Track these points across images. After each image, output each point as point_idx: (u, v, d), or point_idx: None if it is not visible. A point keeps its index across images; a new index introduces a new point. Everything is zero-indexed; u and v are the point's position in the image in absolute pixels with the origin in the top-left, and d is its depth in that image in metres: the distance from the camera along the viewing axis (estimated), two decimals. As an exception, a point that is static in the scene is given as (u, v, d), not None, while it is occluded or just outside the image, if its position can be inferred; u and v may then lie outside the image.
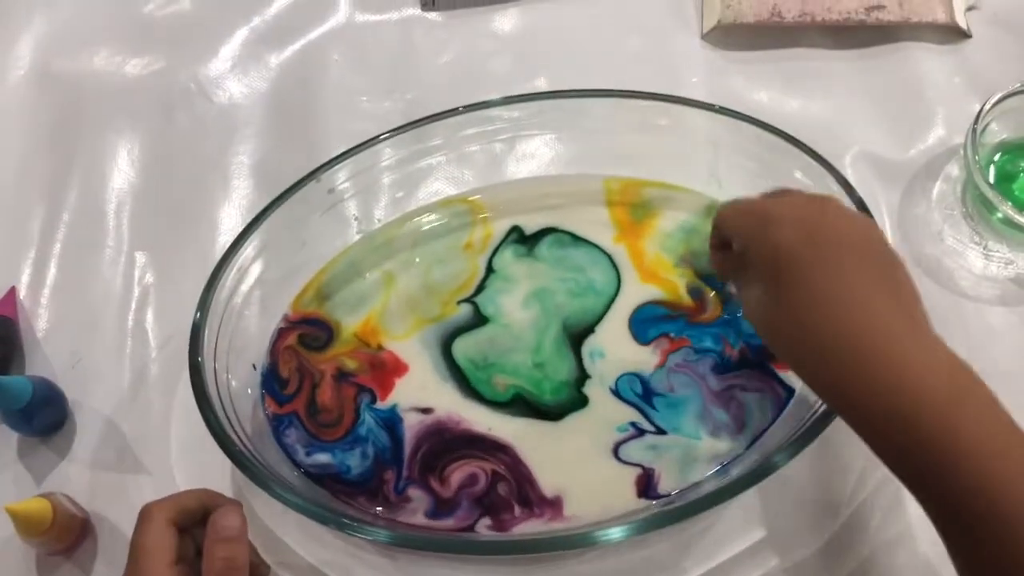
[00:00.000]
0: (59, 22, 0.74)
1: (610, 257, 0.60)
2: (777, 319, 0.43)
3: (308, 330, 0.59)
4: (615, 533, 0.47)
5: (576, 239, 0.61)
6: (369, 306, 0.59)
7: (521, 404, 0.55)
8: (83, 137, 0.69)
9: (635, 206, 0.62)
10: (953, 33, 0.68)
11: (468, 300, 0.59)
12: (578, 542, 0.48)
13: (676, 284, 0.59)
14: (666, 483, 0.52)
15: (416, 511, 0.52)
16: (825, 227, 0.43)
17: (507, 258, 0.61)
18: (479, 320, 0.58)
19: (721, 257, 0.52)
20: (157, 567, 0.43)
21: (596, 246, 0.60)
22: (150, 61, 0.72)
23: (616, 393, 0.55)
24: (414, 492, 0.53)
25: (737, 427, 0.54)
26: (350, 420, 0.55)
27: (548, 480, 0.53)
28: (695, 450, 0.53)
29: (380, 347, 0.58)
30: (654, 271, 0.59)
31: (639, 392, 0.55)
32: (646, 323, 0.57)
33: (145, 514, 0.45)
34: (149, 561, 0.43)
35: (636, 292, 0.58)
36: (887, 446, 0.40)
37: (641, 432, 0.54)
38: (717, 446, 0.53)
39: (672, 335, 0.57)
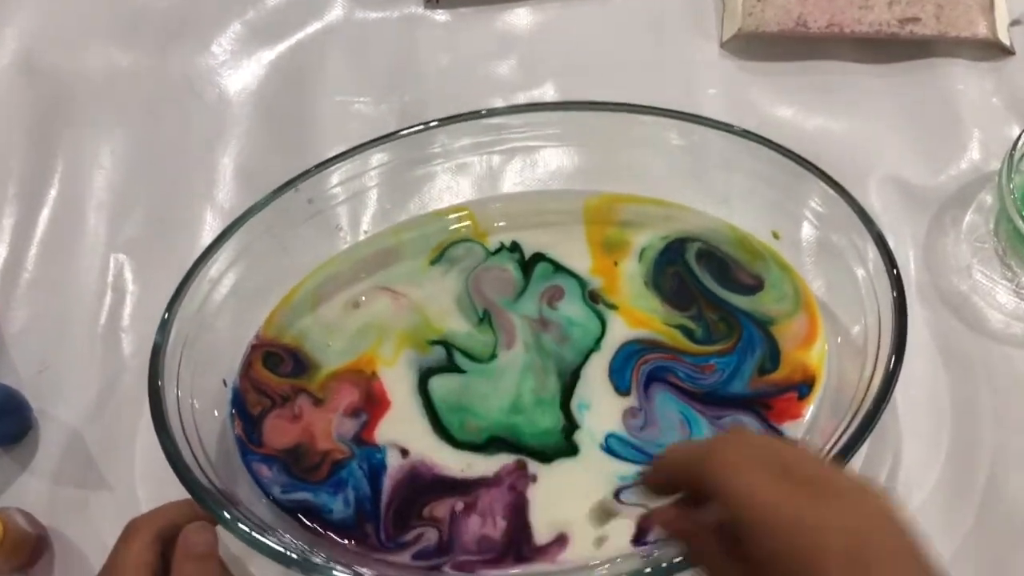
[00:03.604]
0: (46, 12, 0.71)
1: (595, 295, 0.56)
2: None
3: (278, 352, 0.56)
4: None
5: (559, 268, 0.57)
6: (344, 334, 0.56)
7: (500, 444, 0.52)
8: (66, 133, 0.67)
9: (630, 228, 0.58)
10: (994, 49, 0.64)
11: (441, 341, 0.55)
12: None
13: (666, 327, 0.55)
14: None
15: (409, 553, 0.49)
16: (882, 562, 0.31)
17: (489, 285, 0.57)
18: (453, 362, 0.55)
19: (687, 523, 0.37)
20: None
21: (581, 280, 0.57)
22: (138, 55, 0.70)
23: (609, 451, 0.51)
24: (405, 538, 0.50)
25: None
26: (330, 462, 0.52)
27: (538, 518, 0.49)
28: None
29: (374, 374, 0.55)
30: (640, 313, 0.55)
31: (631, 454, 0.51)
32: (624, 364, 0.54)
33: (131, 529, 0.44)
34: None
35: (621, 333, 0.55)
36: None
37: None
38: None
39: (649, 356, 0.54)
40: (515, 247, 0.58)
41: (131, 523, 0.44)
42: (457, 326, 0.56)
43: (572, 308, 0.56)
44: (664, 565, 0.42)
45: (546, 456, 0.51)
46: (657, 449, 0.50)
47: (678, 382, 0.52)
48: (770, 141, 0.53)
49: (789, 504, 0.32)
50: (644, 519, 0.38)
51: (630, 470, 0.50)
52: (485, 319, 0.56)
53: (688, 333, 0.54)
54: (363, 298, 0.57)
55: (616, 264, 0.57)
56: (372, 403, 0.53)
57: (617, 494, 0.49)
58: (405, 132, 0.56)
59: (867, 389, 0.47)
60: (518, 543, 0.49)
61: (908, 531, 0.32)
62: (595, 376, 0.53)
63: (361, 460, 0.52)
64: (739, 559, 0.33)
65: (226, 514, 0.45)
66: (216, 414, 0.53)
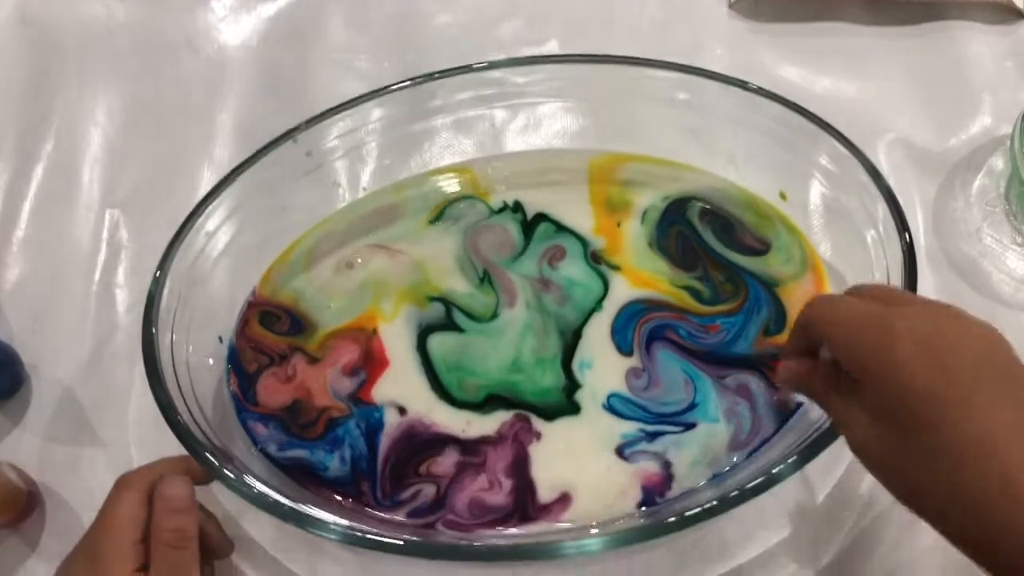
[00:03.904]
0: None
1: (597, 256, 0.55)
2: (900, 463, 0.34)
3: (275, 311, 0.55)
4: (592, 545, 0.42)
5: (561, 228, 0.56)
6: (342, 292, 0.55)
7: (498, 401, 0.51)
8: (62, 87, 0.65)
9: (633, 188, 0.57)
10: (1008, 13, 0.63)
11: (441, 298, 0.54)
12: (548, 553, 0.43)
13: (670, 287, 0.54)
14: (674, 484, 0.48)
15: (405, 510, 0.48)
16: (958, 351, 0.34)
17: (488, 244, 0.56)
18: (452, 321, 0.54)
19: (802, 367, 0.40)
20: (123, 543, 0.41)
21: (583, 240, 0.56)
22: (136, 9, 0.68)
23: (611, 410, 0.50)
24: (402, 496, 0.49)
25: (749, 409, 0.49)
26: (326, 420, 0.51)
27: (542, 476, 0.48)
28: (711, 439, 0.49)
29: (375, 331, 0.54)
30: (644, 274, 0.54)
31: (634, 411, 0.50)
32: (626, 324, 0.52)
33: (122, 485, 0.43)
34: (116, 535, 0.41)
35: (624, 294, 0.54)
36: None
37: (652, 436, 0.49)
38: (734, 430, 0.49)
39: (651, 316, 0.53)
40: (518, 207, 0.57)
41: (122, 478, 0.43)
42: (458, 285, 0.55)
43: (573, 268, 0.55)
44: (673, 520, 0.42)
45: (548, 414, 0.50)
46: (661, 407, 0.50)
47: (679, 340, 0.51)
48: (781, 97, 0.52)
49: (869, 310, 0.36)
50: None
51: (632, 428, 0.49)
52: (485, 279, 0.55)
53: (695, 294, 0.53)
54: (359, 260, 0.56)
55: (619, 225, 0.56)
56: (371, 361, 0.52)
57: (620, 450, 0.49)
58: (406, 84, 0.55)
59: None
60: (523, 501, 0.48)
61: (991, 339, 0.34)
62: (597, 336, 0.52)
63: (359, 419, 0.51)
64: (848, 390, 0.36)
65: (218, 465, 0.44)
66: (211, 365, 0.52)
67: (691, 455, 0.48)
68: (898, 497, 0.35)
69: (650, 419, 0.49)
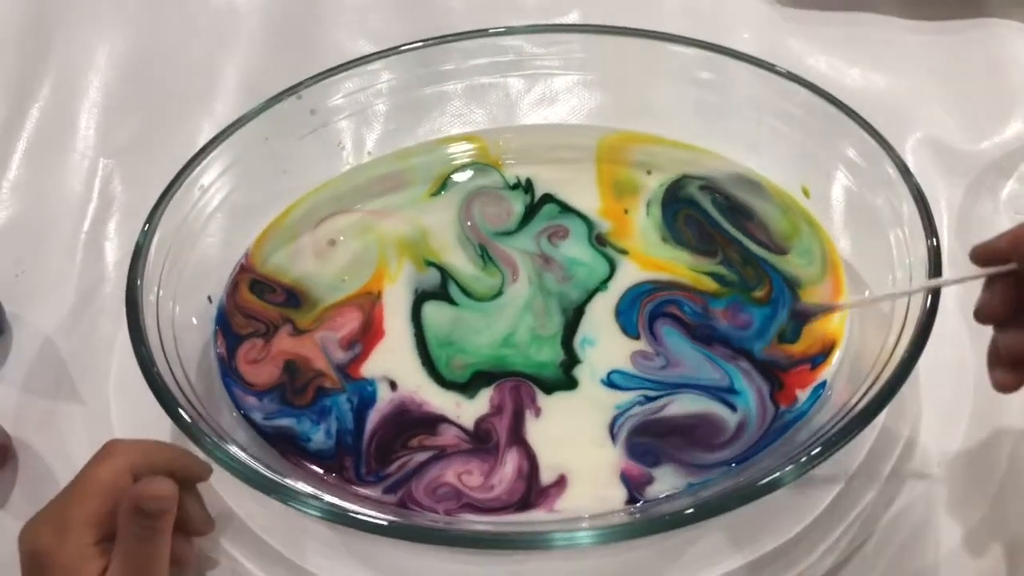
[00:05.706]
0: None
1: (602, 239, 0.53)
2: None
3: (266, 282, 0.53)
4: (583, 538, 0.40)
5: (566, 209, 0.54)
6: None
7: (487, 378, 0.48)
8: (62, 28, 0.64)
9: (644, 171, 0.55)
10: (1050, 12, 0.60)
11: (440, 266, 0.53)
12: (535, 543, 0.41)
13: (689, 272, 0.51)
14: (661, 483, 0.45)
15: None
16: None
17: (484, 213, 0.54)
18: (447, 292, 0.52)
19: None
20: (91, 510, 0.39)
21: (589, 222, 0.54)
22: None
23: (610, 385, 0.48)
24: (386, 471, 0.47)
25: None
26: (315, 388, 0.49)
27: (541, 455, 0.46)
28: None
29: (379, 295, 0.52)
30: (658, 261, 0.52)
31: (636, 383, 0.48)
32: (632, 304, 0.50)
33: (110, 450, 0.41)
34: (87, 501, 0.39)
35: (632, 276, 0.52)
36: None
37: (648, 400, 0.47)
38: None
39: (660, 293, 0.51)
40: (529, 186, 0.55)
41: (111, 444, 0.42)
42: (459, 262, 0.53)
43: (576, 249, 0.53)
44: (666, 519, 0.40)
45: (545, 387, 0.48)
46: (685, 380, 0.47)
47: (687, 319, 0.49)
48: (810, 83, 0.50)
49: None
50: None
51: (629, 397, 0.47)
52: (485, 256, 0.53)
53: (719, 279, 0.51)
54: (341, 237, 0.54)
55: (626, 212, 0.54)
56: (368, 332, 0.50)
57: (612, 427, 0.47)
58: (418, 45, 0.53)
59: (888, 359, 0.44)
60: (527, 483, 0.45)
61: None
62: (601, 314, 0.50)
63: (351, 391, 0.49)
64: None
65: (191, 423, 0.42)
66: (195, 325, 0.50)
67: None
68: None
69: (653, 387, 0.47)
